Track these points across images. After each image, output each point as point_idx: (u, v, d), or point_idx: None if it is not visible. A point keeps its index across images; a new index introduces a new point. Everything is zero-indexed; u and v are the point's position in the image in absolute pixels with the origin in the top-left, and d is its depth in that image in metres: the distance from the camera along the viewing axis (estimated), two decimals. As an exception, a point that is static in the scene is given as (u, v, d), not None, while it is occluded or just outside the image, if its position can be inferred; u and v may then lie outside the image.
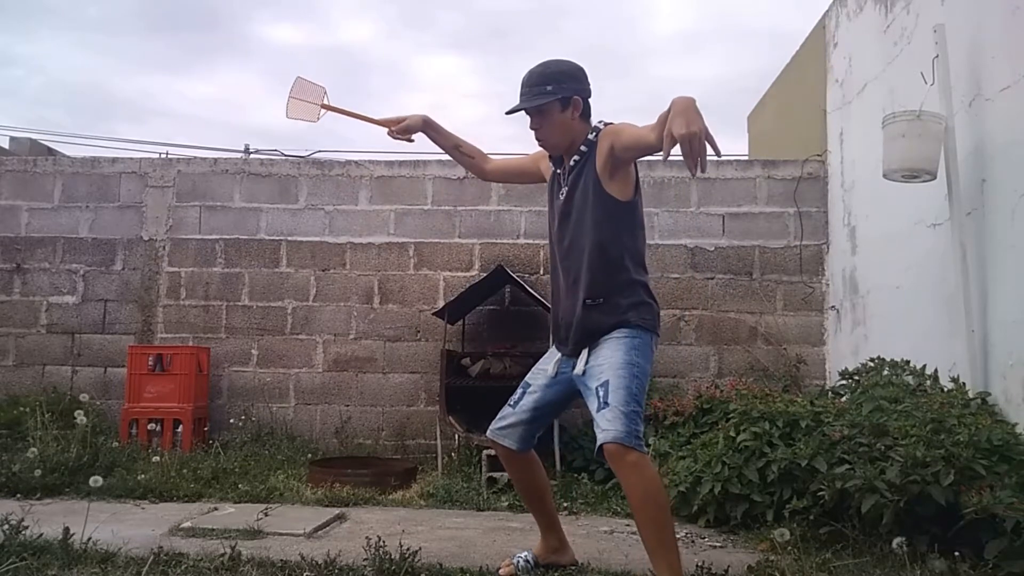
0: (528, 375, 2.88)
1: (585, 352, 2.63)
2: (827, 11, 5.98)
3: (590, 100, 2.73)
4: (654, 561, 2.47)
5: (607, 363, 2.54)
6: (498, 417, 2.86)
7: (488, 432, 2.87)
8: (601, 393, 2.48)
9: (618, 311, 2.60)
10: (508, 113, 2.69)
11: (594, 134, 2.67)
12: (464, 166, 3.14)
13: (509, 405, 2.85)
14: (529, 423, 2.80)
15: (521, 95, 2.69)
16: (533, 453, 2.89)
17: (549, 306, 2.96)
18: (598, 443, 2.45)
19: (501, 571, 2.82)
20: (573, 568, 2.93)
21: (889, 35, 4.82)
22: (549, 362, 2.82)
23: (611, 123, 2.67)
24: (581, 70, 2.72)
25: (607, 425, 2.42)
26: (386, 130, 2.93)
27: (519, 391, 2.84)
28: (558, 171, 2.79)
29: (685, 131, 2.13)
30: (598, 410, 2.47)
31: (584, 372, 2.60)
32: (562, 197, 2.72)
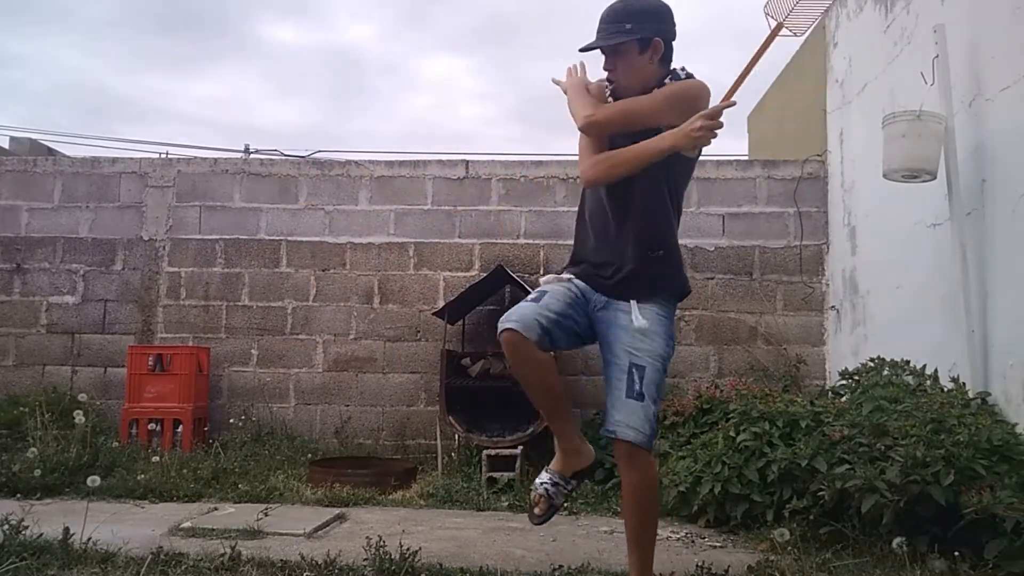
0: (539, 289, 2.52)
1: (634, 304, 2.43)
2: (827, 11, 5.98)
3: (673, 43, 2.50)
4: (632, 554, 2.46)
5: (646, 349, 2.39)
6: (515, 311, 2.43)
7: (501, 324, 2.41)
8: (637, 378, 2.35)
9: (675, 271, 2.52)
10: (582, 50, 2.47)
11: (671, 79, 2.45)
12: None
13: (529, 301, 2.46)
14: (553, 322, 2.41)
15: (598, 32, 2.47)
16: (551, 357, 2.48)
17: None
18: (620, 436, 2.34)
19: (536, 510, 2.62)
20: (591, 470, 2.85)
21: (889, 35, 4.82)
22: (569, 283, 2.53)
23: (692, 75, 2.47)
24: (666, 9, 2.49)
25: (637, 423, 2.34)
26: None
27: (536, 292, 2.51)
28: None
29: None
30: (628, 396, 2.35)
31: (628, 327, 2.39)
32: (628, 137, 2.44)
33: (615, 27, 2.43)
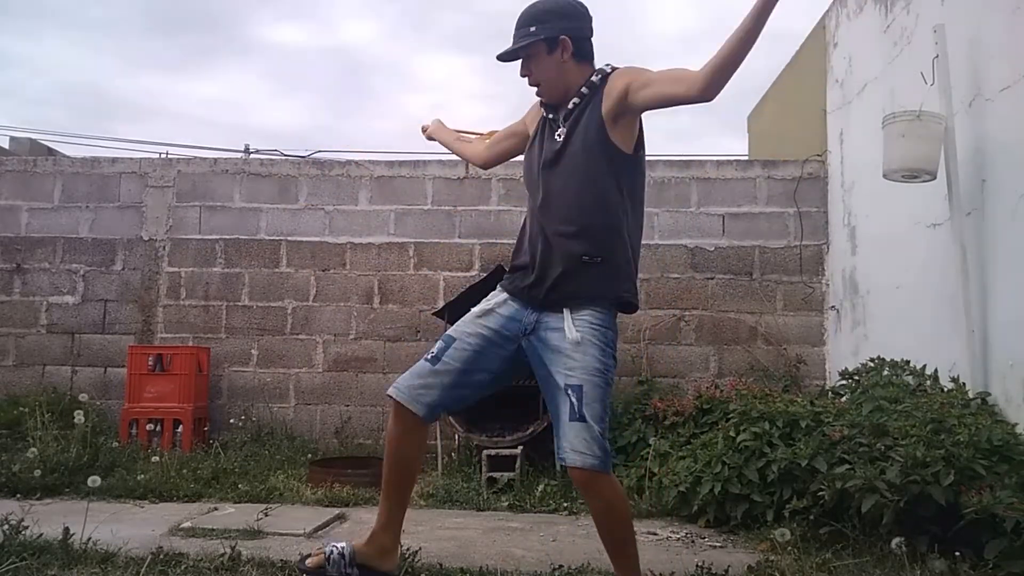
0: (452, 329, 2.49)
1: (567, 312, 2.33)
2: (827, 11, 5.98)
3: (590, 39, 2.46)
4: (618, 571, 2.41)
5: (581, 364, 2.28)
6: (410, 373, 2.43)
7: (392, 388, 2.43)
8: (574, 400, 2.24)
9: (616, 278, 2.36)
10: (500, 59, 2.46)
11: (599, 76, 2.40)
12: (461, 154, 2.95)
13: (426, 360, 2.43)
14: (450, 388, 2.39)
15: (512, 39, 2.45)
16: (427, 431, 2.50)
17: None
18: (569, 463, 2.25)
19: (308, 562, 2.47)
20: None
21: (889, 35, 4.82)
22: (490, 319, 2.44)
23: (618, 67, 2.41)
24: (573, 6, 2.45)
25: (583, 448, 2.22)
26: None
27: (439, 344, 2.44)
28: (550, 116, 2.48)
29: None
30: (571, 420, 2.24)
31: (559, 347, 2.30)
32: (559, 139, 2.40)
33: (522, 32, 2.41)
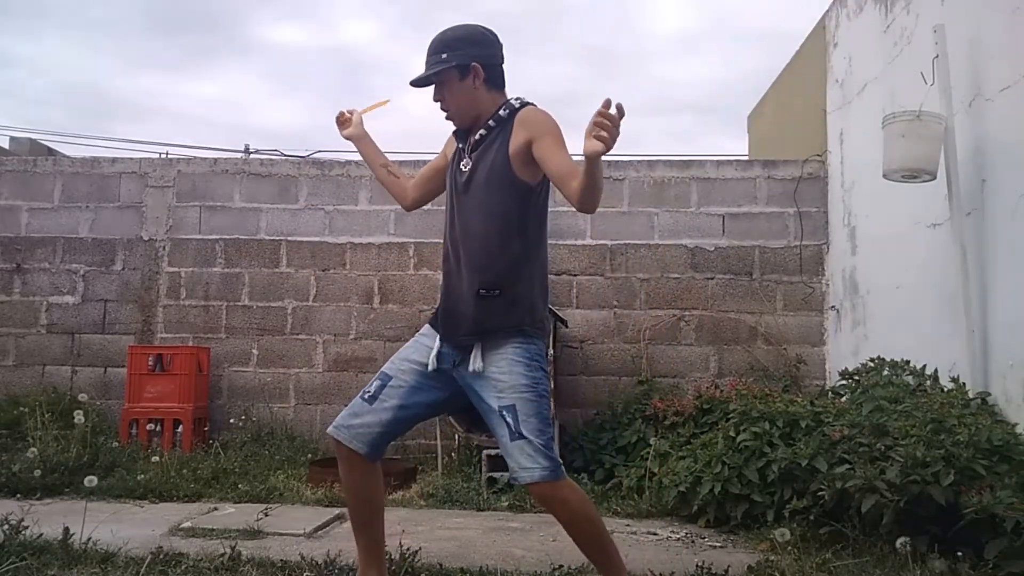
0: (388, 365, 2.50)
1: (478, 349, 2.36)
2: (827, 11, 5.98)
3: (501, 66, 2.48)
4: (603, 572, 2.39)
5: (509, 384, 2.30)
6: (348, 412, 2.45)
7: (331, 428, 2.46)
8: (510, 420, 2.27)
9: (515, 311, 2.35)
10: (413, 84, 2.45)
11: (507, 111, 2.40)
12: (388, 187, 2.85)
13: (363, 399, 2.44)
14: (389, 424, 2.43)
15: (424, 66, 2.45)
16: (379, 465, 2.54)
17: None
18: (522, 482, 2.29)
19: None
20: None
21: (889, 35, 4.82)
22: (421, 353, 2.46)
23: (530, 103, 2.43)
24: (484, 34, 2.46)
25: (529, 463, 2.24)
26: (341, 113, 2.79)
27: (376, 383, 2.45)
28: (461, 146, 2.49)
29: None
30: (511, 440, 2.26)
31: (483, 374, 2.33)
32: (465, 170, 2.43)
33: (434, 59, 2.41)
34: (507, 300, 2.36)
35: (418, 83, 2.45)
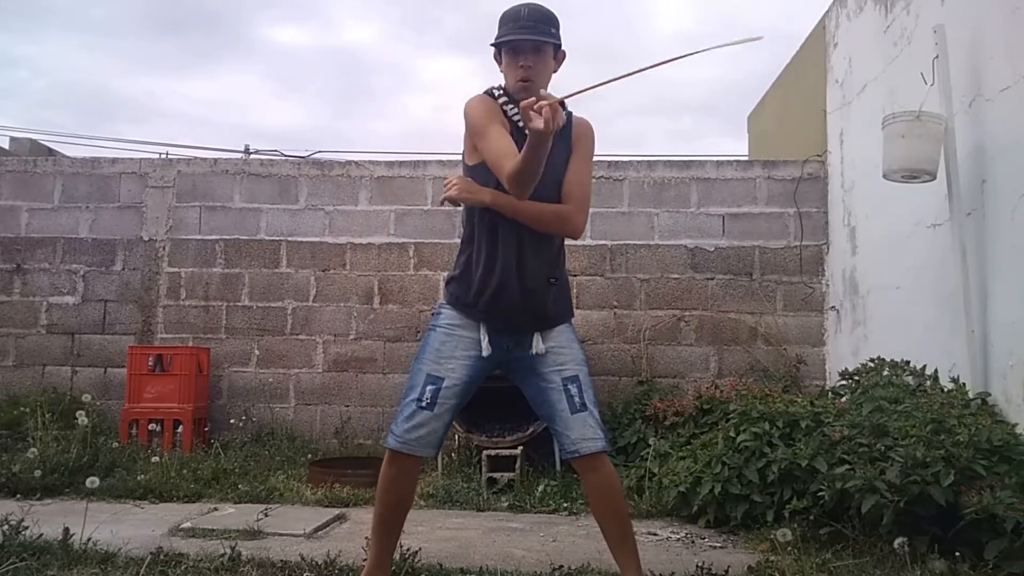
0: (429, 367, 2.41)
1: (537, 334, 2.44)
2: (827, 11, 5.98)
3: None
4: (626, 553, 2.44)
5: (570, 357, 2.44)
6: (408, 424, 2.39)
7: (396, 442, 2.40)
8: (574, 391, 2.39)
9: (567, 294, 2.57)
10: (526, 39, 2.40)
11: (566, 112, 2.40)
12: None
13: (421, 407, 2.38)
14: (449, 421, 2.45)
15: (528, 29, 2.41)
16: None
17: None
18: (584, 452, 2.36)
19: None
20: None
21: (889, 35, 4.82)
22: (465, 345, 2.44)
23: (582, 117, 2.55)
24: None
25: (593, 434, 2.37)
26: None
27: (427, 388, 2.39)
28: (520, 124, 2.38)
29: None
30: (573, 413, 2.37)
31: (544, 353, 2.42)
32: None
33: (545, 27, 2.43)
34: (562, 284, 2.53)
35: (533, 40, 2.41)
